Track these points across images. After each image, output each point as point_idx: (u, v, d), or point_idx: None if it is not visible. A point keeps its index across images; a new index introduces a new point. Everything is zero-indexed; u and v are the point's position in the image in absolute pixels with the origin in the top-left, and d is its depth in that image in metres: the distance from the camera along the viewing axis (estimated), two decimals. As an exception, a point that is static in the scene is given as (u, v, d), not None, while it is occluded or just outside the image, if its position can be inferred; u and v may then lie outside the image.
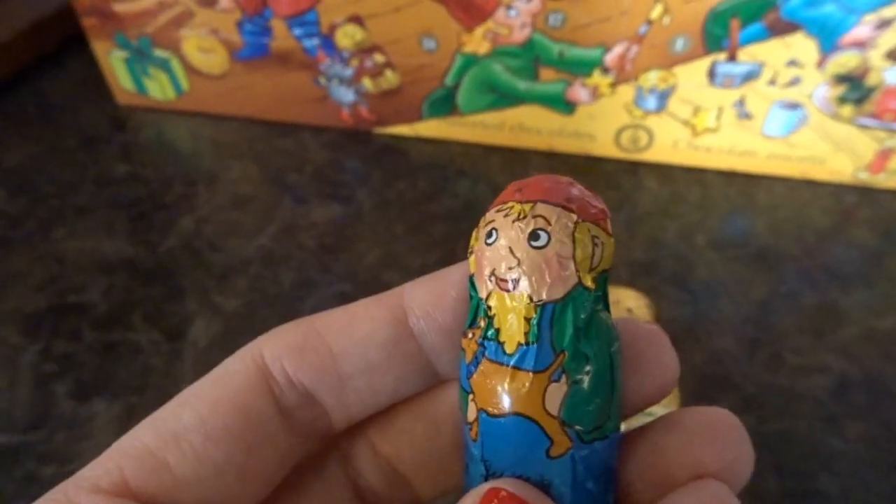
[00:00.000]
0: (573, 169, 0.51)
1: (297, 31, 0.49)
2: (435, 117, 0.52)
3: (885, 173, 0.47)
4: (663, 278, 0.43)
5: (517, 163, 0.51)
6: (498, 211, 0.13)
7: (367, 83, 0.50)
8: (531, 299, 0.12)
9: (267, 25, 0.49)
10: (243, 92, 0.53)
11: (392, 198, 0.49)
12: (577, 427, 0.12)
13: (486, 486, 0.12)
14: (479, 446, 0.12)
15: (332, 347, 0.14)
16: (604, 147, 0.50)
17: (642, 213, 0.47)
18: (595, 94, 0.47)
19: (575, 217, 0.12)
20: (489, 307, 0.12)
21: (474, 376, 0.12)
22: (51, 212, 0.48)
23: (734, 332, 0.40)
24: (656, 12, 0.43)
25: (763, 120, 0.46)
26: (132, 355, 0.39)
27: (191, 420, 0.14)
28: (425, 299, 0.14)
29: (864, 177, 0.47)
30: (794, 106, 0.45)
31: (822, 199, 0.48)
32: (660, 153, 0.50)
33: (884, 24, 0.40)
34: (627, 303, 0.36)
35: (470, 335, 0.13)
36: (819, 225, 0.46)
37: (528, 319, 0.12)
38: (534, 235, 0.12)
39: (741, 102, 0.45)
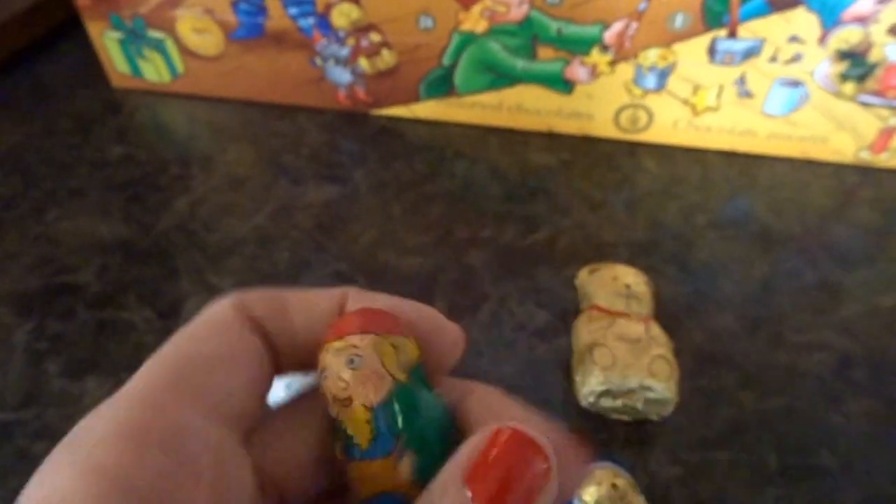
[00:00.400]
0: (572, 149, 0.50)
1: (293, 11, 0.48)
2: (432, 98, 0.51)
3: (887, 152, 0.46)
4: (663, 258, 0.42)
5: (515, 143, 0.51)
6: (325, 351, 0.16)
7: (363, 63, 0.50)
8: (365, 407, 0.15)
9: (262, 5, 0.48)
10: (239, 73, 0.53)
11: (388, 179, 0.49)
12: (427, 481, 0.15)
13: (491, 427, 0.14)
14: None
15: (291, 312, 0.17)
16: (603, 127, 0.50)
17: (642, 194, 0.47)
18: (594, 72, 0.47)
19: (373, 336, 0.16)
20: (342, 422, 0.15)
21: (348, 474, 0.16)
22: (45, 193, 0.48)
23: (735, 310, 0.39)
24: (655, -12, 0.42)
25: (764, 98, 0.45)
26: (125, 334, 0.38)
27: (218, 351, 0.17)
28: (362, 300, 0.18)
29: (867, 156, 0.47)
30: (795, 83, 0.44)
31: (824, 179, 0.47)
32: (659, 133, 0.49)
33: (886, -2, 0.40)
34: (626, 279, 0.36)
35: (337, 446, 0.16)
36: (820, 205, 0.46)
37: (367, 422, 0.15)
38: (350, 361, 0.15)
39: (742, 80, 0.45)
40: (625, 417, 0.33)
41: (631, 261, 0.42)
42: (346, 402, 0.15)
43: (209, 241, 0.44)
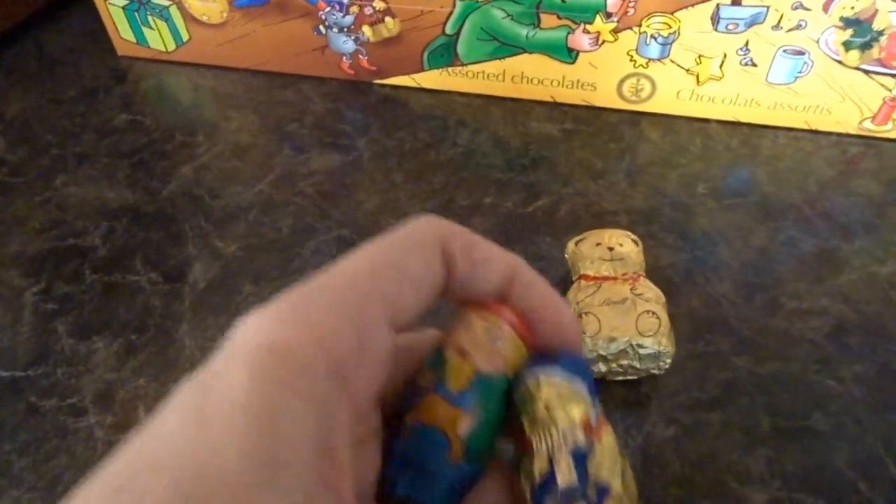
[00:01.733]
0: (574, 119, 0.50)
1: (297, -22, 0.48)
2: (436, 68, 0.51)
3: (891, 123, 0.46)
4: (663, 226, 0.43)
5: (518, 113, 0.51)
6: (476, 314, 0.18)
7: (366, 31, 0.50)
8: (473, 367, 0.18)
9: (266, -29, 0.48)
10: (243, 42, 0.53)
11: (392, 147, 0.49)
12: (471, 449, 0.17)
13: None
14: (406, 442, 0.17)
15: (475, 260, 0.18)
16: (606, 97, 0.50)
17: (644, 163, 0.47)
18: (597, 41, 0.47)
19: (518, 339, 0.19)
20: (446, 361, 0.18)
21: (423, 397, 0.18)
22: (52, 160, 0.49)
23: (732, 277, 0.39)
24: (660, -46, 0.42)
25: (768, 67, 0.45)
26: (132, 296, 0.39)
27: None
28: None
29: (870, 127, 0.47)
30: (799, 52, 0.44)
31: (826, 150, 0.47)
32: (662, 103, 0.49)
33: (892, -35, 0.39)
34: (609, 242, 0.36)
35: (428, 374, 0.18)
36: (822, 175, 0.46)
37: (468, 378, 0.17)
38: (491, 334, 0.18)
39: (745, 49, 0.45)
40: (630, 376, 0.33)
41: (630, 228, 0.42)
42: (463, 353, 0.18)
43: (214, 207, 0.45)
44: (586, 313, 0.33)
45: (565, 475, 0.17)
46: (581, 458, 0.18)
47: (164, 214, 0.44)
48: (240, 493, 0.12)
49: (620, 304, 0.33)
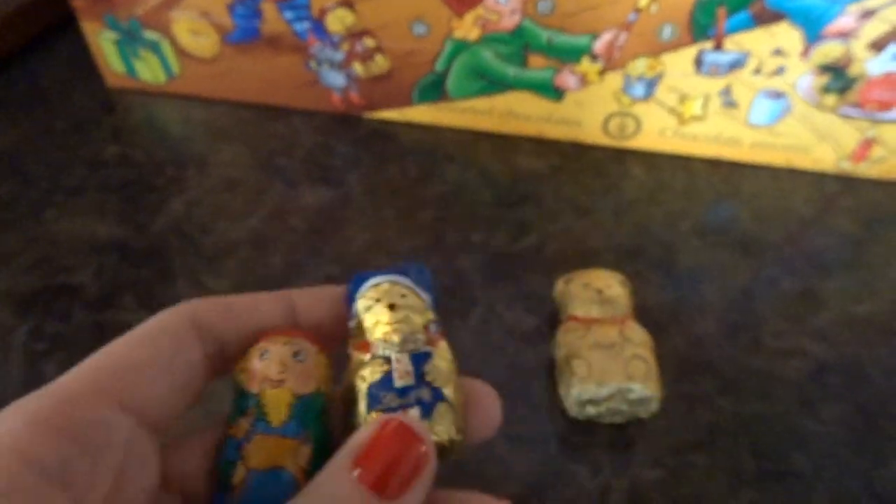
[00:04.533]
0: (561, 155, 0.51)
1: (288, 15, 0.49)
2: (425, 102, 0.52)
3: (866, 162, 0.48)
4: (648, 264, 0.43)
5: (506, 149, 0.52)
6: (269, 340, 0.19)
7: (357, 67, 0.51)
8: (293, 393, 0.18)
9: (257, 8, 0.49)
10: (234, 75, 0.54)
11: (382, 182, 0.49)
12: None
13: (378, 419, 0.16)
14: (242, 499, 0.17)
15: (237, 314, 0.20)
16: (591, 134, 0.51)
17: (629, 200, 0.48)
18: (583, 81, 0.48)
19: (318, 348, 0.19)
20: (260, 399, 0.18)
21: (246, 446, 0.17)
22: (41, 194, 0.49)
23: (715, 316, 0.40)
24: (644, 0, 0.43)
25: (748, 109, 0.46)
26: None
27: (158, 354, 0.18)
28: (311, 303, 0.21)
29: (847, 166, 0.48)
30: (778, 95, 0.45)
31: (805, 188, 0.49)
32: (647, 141, 0.50)
33: (867, 15, 0.41)
34: (597, 284, 0.37)
35: (241, 421, 0.18)
36: (801, 213, 0.47)
37: (289, 406, 0.18)
38: (296, 353, 0.19)
39: (727, 91, 0.46)
40: (617, 419, 0.34)
41: (617, 266, 0.43)
42: (277, 383, 0.18)
43: (204, 243, 0.45)
44: (576, 356, 0.34)
45: (402, 374, 0.18)
46: (419, 361, 0.19)
47: (154, 251, 0.44)
48: None
49: (610, 349, 0.34)
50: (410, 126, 0.54)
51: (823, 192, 0.48)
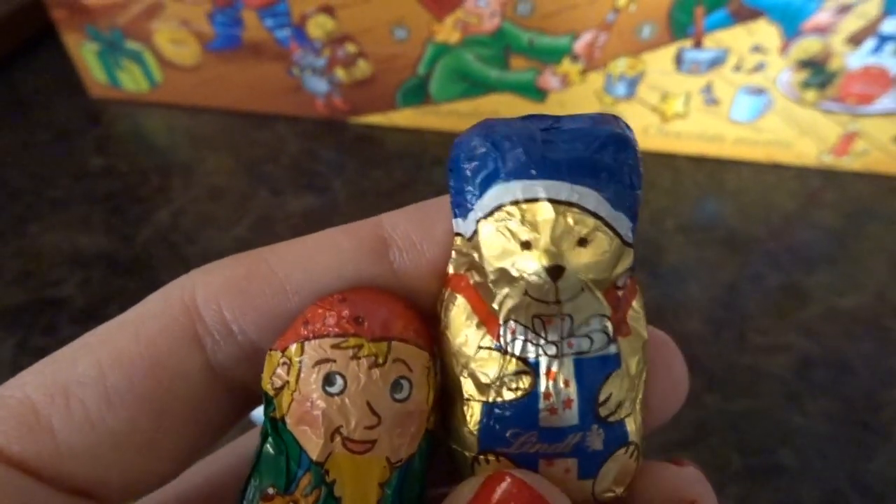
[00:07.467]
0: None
1: (269, 22, 0.49)
2: (409, 106, 0.52)
3: (848, 156, 0.48)
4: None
5: (491, 150, 0.52)
6: (335, 347, 0.10)
7: (340, 73, 0.51)
8: (388, 461, 0.09)
9: (238, 16, 0.49)
10: (217, 83, 0.53)
11: (367, 187, 0.49)
12: None
13: (487, 474, 0.10)
14: None
15: (285, 285, 0.11)
16: (576, 134, 0.51)
17: (613, 199, 0.48)
18: (565, 81, 0.48)
19: (428, 356, 0.10)
20: (327, 472, 0.09)
21: None
22: (26, 206, 0.48)
23: (701, 313, 0.41)
24: (623, 0, 0.43)
25: (730, 105, 0.47)
26: (109, 348, 0.39)
27: (87, 371, 0.11)
28: (410, 230, 0.12)
29: (829, 160, 0.49)
30: (759, 91, 0.46)
31: (788, 183, 0.49)
32: (630, 139, 0.50)
33: (844, 10, 0.41)
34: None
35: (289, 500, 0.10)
36: (785, 208, 0.47)
37: (381, 485, 0.09)
38: (396, 386, 0.09)
39: (708, 88, 0.46)
40: None
41: (602, 266, 0.43)
42: (362, 446, 0.09)
43: (190, 253, 0.45)
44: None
45: (556, 404, 0.10)
46: (594, 377, 0.11)
47: (140, 262, 0.44)
48: None
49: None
50: (395, 130, 0.54)
51: (806, 187, 0.49)
